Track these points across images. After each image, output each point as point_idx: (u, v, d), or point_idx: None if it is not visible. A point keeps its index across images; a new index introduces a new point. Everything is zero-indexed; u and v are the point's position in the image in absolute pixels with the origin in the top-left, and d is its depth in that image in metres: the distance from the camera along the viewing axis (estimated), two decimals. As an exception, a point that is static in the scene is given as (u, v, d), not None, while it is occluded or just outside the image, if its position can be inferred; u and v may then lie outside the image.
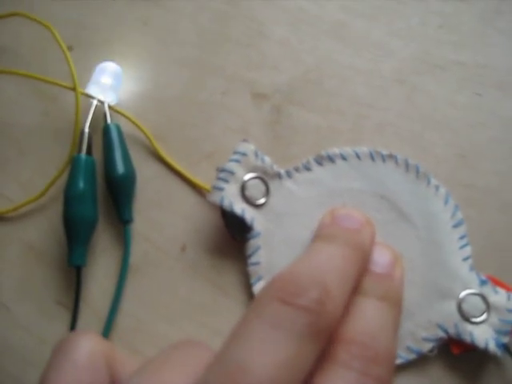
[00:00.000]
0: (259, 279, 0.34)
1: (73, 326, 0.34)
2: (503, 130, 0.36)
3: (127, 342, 0.34)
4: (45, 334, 0.35)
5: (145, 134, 0.37)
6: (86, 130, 0.36)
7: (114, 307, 0.34)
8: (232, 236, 0.35)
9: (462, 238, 0.33)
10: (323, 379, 0.23)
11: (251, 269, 0.34)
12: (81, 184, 0.35)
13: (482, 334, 0.31)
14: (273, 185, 0.35)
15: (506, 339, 0.31)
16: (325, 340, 0.24)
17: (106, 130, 0.37)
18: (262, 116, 0.38)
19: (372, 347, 0.24)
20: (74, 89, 0.37)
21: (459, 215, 0.34)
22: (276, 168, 0.35)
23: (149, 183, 0.37)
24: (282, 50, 0.39)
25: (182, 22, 0.40)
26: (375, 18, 0.39)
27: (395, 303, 0.28)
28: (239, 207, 0.34)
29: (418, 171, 0.34)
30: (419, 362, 0.32)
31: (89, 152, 0.36)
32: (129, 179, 0.36)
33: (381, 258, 0.30)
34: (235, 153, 0.34)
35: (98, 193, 0.36)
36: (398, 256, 0.31)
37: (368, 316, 0.27)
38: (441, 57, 0.38)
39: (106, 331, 0.34)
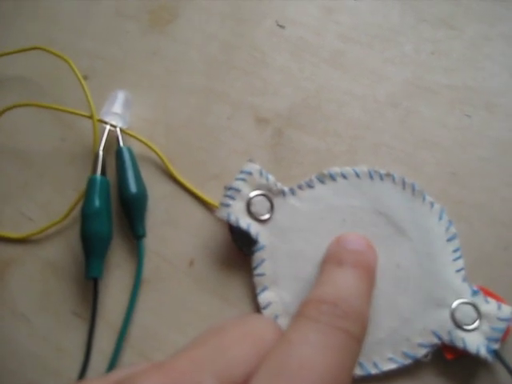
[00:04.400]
0: (264, 289, 0.36)
1: (90, 335, 0.37)
2: (491, 149, 0.39)
3: (139, 349, 0.36)
4: (62, 343, 0.37)
5: (156, 153, 0.40)
6: (101, 152, 0.39)
7: (127, 318, 0.37)
8: (239, 249, 0.37)
9: (455, 251, 0.35)
10: (292, 330, 0.25)
11: (257, 279, 0.36)
12: (97, 202, 0.37)
13: (474, 341, 0.33)
14: (277, 201, 0.37)
15: (496, 346, 0.32)
16: None
17: (118, 153, 0.39)
18: (265, 139, 0.40)
19: (341, 307, 0.27)
20: (91, 117, 0.40)
21: (453, 230, 0.36)
22: (280, 186, 0.37)
23: (159, 202, 0.40)
24: (284, 77, 0.42)
25: (189, 52, 0.43)
26: (371, 46, 0.42)
27: (368, 272, 0.31)
28: (245, 222, 0.36)
29: (414, 189, 0.36)
30: (413, 367, 0.34)
31: (103, 173, 0.39)
32: (141, 198, 0.38)
33: (357, 240, 0.33)
34: (241, 172, 0.37)
35: (112, 211, 0.39)
36: (371, 245, 0.34)
37: (340, 282, 0.29)
38: (432, 81, 0.41)
39: (120, 340, 0.36)
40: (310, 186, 0.37)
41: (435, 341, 0.33)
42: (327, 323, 0.26)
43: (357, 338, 0.26)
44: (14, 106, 0.41)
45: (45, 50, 0.42)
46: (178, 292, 0.37)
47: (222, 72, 0.42)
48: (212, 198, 0.39)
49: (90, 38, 0.45)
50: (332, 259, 0.32)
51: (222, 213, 0.36)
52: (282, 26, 0.43)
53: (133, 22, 0.45)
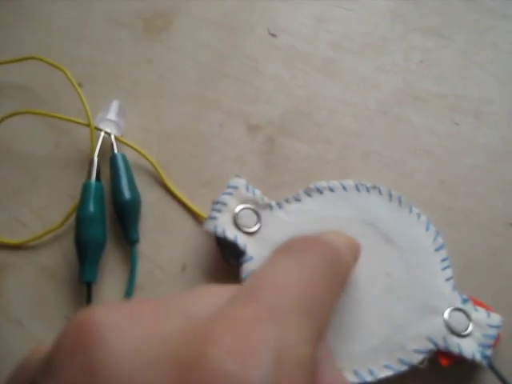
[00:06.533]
0: None
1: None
2: (480, 156, 0.39)
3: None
4: (56, 347, 0.38)
5: (149, 161, 0.40)
6: (95, 158, 0.39)
7: (119, 323, 0.37)
8: (227, 262, 0.37)
9: (443, 260, 0.36)
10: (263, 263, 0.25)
11: None
12: (91, 207, 0.38)
13: (469, 347, 0.33)
14: (264, 215, 0.37)
15: (489, 352, 0.33)
16: None
17: (113, 159, 0.40)
18: (257, 146, 0.41)
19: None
20: (88, 125, 0.41)
21: (440, 240, 0.36)
22: (266, 200, 0.37)
23: (152, 208, 0.40)
24: (275, 85, 0.42)
25: (183, 60, 0.44)
26: (362, 54, 0.43)
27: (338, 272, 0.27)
28: (232, 233, 0.36)
29: (400, 200, 0.37)
30: (409, 374, 0.34)
31: (98, 178, 0.39)
32: (135, 203, 0.39)
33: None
34: (228, 186, 0.37)
35: (106, 216, 0.39)
36: (354, 243, 0.32)
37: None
38: (422, 89, 0.41)
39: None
40: (297, 199, 0.37)
41: (431, 346, 0.33)
42: (298, 248, 0.26)
43: (329, 263, 0.25)
44: (14, 114, 0.42)
45: (40, 59, 0.43)
46: (170, 297, 0.38)
47: (215, 80, 0.43)
48: (204, 205, 0.39)
49: (85, 46, 0.45)
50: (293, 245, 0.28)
51: (209, 225, 0.36)
52: (273, 35, 0.44)
53: (127, 30, 0.45)
